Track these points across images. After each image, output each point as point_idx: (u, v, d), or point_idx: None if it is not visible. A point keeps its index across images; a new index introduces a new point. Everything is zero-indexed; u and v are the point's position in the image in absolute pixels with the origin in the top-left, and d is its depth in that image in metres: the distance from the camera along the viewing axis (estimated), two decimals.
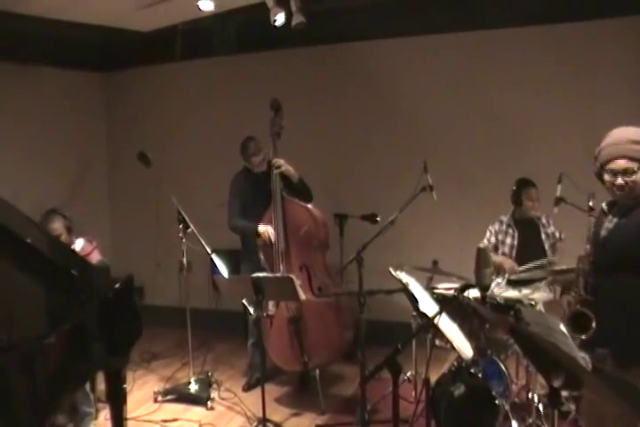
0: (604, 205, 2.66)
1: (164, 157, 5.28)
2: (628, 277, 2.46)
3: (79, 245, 4.03)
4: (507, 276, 3.96)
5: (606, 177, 2.53)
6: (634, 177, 2.47)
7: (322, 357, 4.22)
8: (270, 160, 4.31)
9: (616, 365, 2.46)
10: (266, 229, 4.28)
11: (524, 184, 4.17)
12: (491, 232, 4.32)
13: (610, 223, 2.59)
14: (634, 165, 2.46)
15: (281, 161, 4.26)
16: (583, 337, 2.50)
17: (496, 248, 4.28)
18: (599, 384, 1.80)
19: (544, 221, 4.21)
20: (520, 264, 4.06)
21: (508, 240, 4.24)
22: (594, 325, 2.48)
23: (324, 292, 4.17)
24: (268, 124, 4.28)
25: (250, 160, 4.44)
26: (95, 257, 4.04)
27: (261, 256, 4.38)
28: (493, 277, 4.17)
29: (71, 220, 4.00)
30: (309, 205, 4.34)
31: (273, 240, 4.26)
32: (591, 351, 2.46)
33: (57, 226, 3.90)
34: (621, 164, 2.47)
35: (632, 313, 2.45)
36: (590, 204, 2.67)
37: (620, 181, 2.49)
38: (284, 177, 4.31)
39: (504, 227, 4.27)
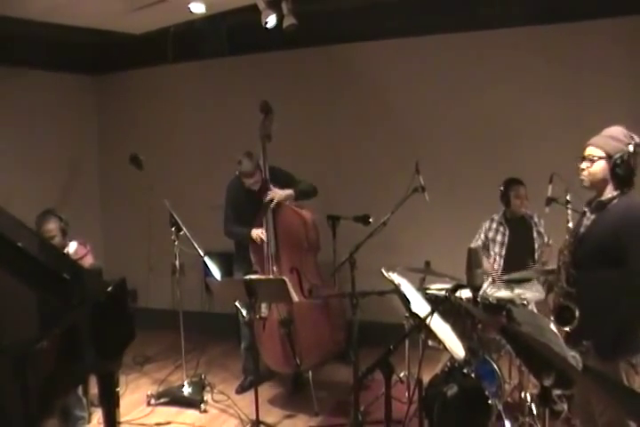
0: (585, 203, 2.79)
1: (156, 159, 5.26)
2: (603, 271, 2.58)
3: (73, 248, 4.01)
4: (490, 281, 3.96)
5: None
6: (592, 166, 2.66)
7: (313, 358, 4.22)
8: (264, 178, 4.29)
9: (598, 357, 2.53)
10: (257, 234, 4.28)
11: (510, 183, 4.22)
12: (482, 230, 4.35)
13: (587, 220, 2.73)
14: (596, 153, 2.66)
15: (273, 194, 4.23)
16: (567, 329, 2.57)
17: (486, 247, 4.30)
18: (585, 380, 1.82)
19: (536, 219, 4.24)
20: (510, 262, 4.08)
21: (499, 238, 4.28)
22: (577, 316, 2.57)
23: (314, 294, 4.17)
24: (258, 128, 4.27)
25: (242, 179, 4.40)
26: (88, 260, 4.02)
27: (252, 259, 4.38)
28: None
29: (67, 222, 3.98)
30: (300, 208, 4.34)
31: (265, 240, 4.26)
32: (577, 344, 2.50)
33: (52, 227, 3.87)
34: (588, 149, 2.70)
35: (608, 306, 2.55)
36: (568, 198, 2.82)
37: (581, 165, 2.70)
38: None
39: (495, 225, 4.31)
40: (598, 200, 2.70)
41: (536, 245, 4.19)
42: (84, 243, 4.10)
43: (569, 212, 2.77)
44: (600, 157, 2.65)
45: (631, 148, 2.65)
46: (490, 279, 3.90)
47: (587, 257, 2.65)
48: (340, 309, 4.32)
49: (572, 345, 2.43)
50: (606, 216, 2.65)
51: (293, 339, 4.16)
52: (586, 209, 2.76)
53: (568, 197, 2.81)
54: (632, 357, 2.59)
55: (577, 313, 2.58)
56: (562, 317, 2.61)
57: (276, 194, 4.25)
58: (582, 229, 2.72)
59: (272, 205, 4.24)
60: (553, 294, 2.83)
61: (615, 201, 2.65)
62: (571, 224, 2.77)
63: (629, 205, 2.63)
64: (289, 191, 4.32)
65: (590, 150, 2.69)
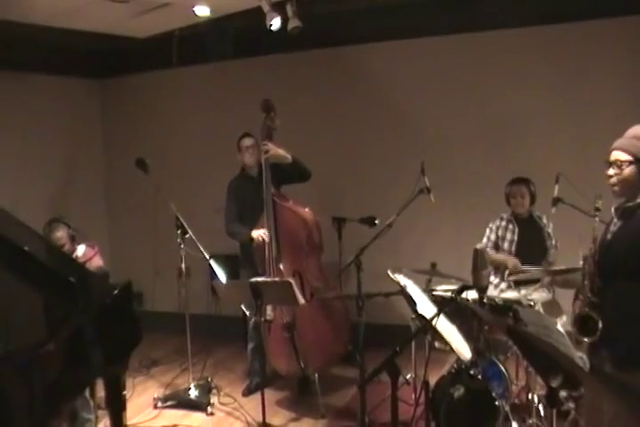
0: (613, 208, 2.58)
1: (161, 163, 5.28)
2: (627, 281, 2.40)
3: (81, 250, 4.04)
4: (507, 274, 3.92)
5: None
6: (621, 172, 2.43)
7: (317, 361, 4.22)
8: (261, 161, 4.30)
9: (615, 368, 2.40)
10: (259, 234, 4.25)
11: (511, 182, 4.21)
12: (491, 229, 4.30)
13: (614, 227, 2.53)
14: (624, 158, 2.42)
15: (269, 146, 4.24)
16: (588, 340, 2.44)
17: (497, 246, 4.25)
18: (597, 384, 1.80)
19: (545, 221, 4.20)
20: (521, 260, 4.04)
21: (509, 235, 4.23)
22: (600, 327, 2.41)
23: (316, 296, 4.16)
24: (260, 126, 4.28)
25: (244, 159, 4.46)
26: (97, 262, 4.05)
27: (256, 259, 4.37)
28: (492, 277, 4.18)
29: (75, 228, 4.00)
30: (304, 209, 4.33)
31: (267, 240, 4.24)
32: (595, 352, 2.43)
33: (60, 235, 3.90)
34: (614, 154, 2.46)
35: (630, 318, 2.39)
36: (597, 205, 2.59)
37: (609, 171, 2.46)
38: (277, 164, 4.29)
39: (504, 223, 4.26)
40: (626, 206, 2.47)
41: (547, 244, 4.15)
42: (91, 245, 4.13)
43: (596, 220, 2.56)
44: (629, 162, 2.41)
45: None
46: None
47: (611, 266, 2.47)
48: (343, 311, 4.31)
49: (589, 354, 2.36)
50: (634, 224, 2.44)
51: (296, 343, 4.16)
52: (613, 215, 2.56)
53: (598, 205, 2.58)
54: None
55: (600, 324, 2.42)
56: (584, 327, 2.47)
57: (272, 147, 4.25)
58: (609, 236, 2.52)
59: (266, 155, 4.22)
60: (579, 302, 2.62)
61: None
62: (595, 231, 2.56)
63: None
64: (286, 154, 4.30)
65: (616, 155, 2.44)
